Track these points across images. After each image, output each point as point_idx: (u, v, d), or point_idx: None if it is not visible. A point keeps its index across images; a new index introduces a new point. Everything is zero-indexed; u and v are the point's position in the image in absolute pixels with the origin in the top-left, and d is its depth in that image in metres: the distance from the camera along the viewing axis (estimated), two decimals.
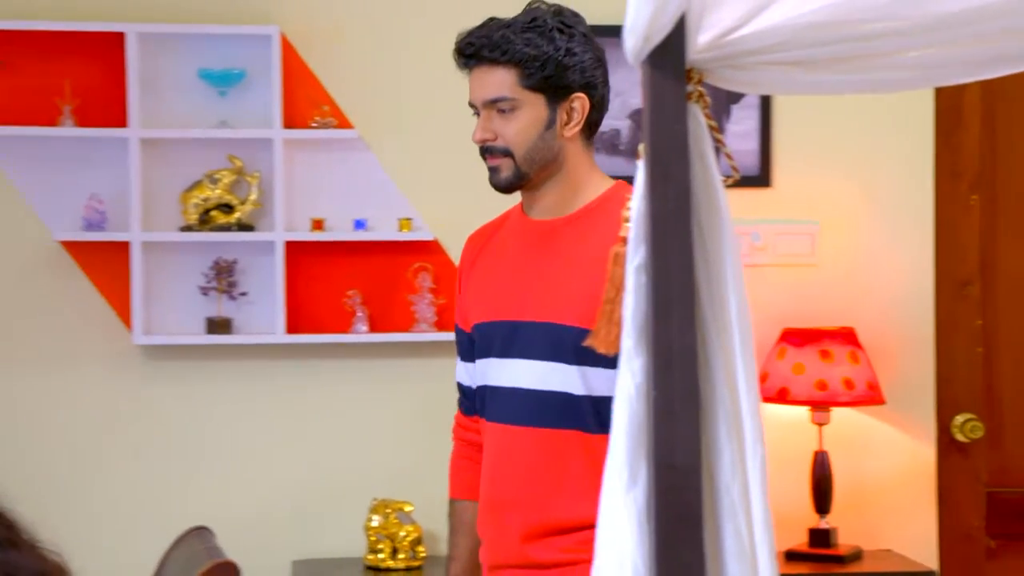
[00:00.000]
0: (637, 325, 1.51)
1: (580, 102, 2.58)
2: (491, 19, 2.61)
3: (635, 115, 4.29)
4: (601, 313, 1.61)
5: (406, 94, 4.23)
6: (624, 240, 1.55)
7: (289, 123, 4.13)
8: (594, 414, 2.51)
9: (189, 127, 4.12)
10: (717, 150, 1.57)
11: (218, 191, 4.13)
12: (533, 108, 2.56)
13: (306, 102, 4.18)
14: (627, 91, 4.27)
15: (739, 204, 4.00)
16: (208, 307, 4.17)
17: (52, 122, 4.08)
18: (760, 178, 4.32)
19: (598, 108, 2.61)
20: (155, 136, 4.09)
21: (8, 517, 2.17)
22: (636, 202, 1.53)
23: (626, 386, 1.52)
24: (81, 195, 4.11)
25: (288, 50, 4.15)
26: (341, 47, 4.20)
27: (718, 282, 1.54)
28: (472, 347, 2.72)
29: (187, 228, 4.11)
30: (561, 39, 2.56)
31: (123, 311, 4.13)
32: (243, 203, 4.14)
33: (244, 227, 4.13)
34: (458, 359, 2.79)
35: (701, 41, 1.52)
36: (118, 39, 4.05)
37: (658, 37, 1.49)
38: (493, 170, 2.59)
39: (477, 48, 2.57)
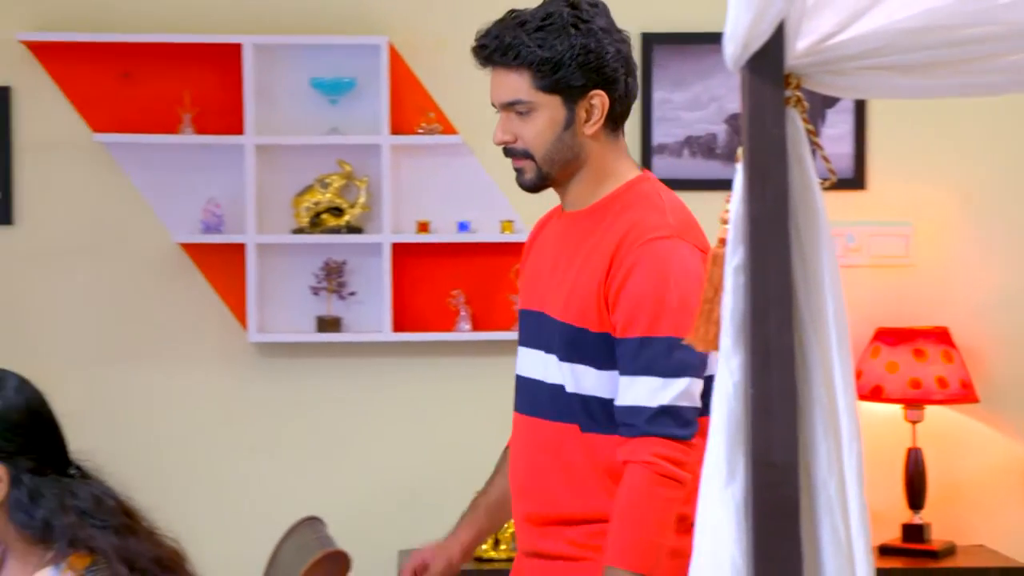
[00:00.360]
0: (735, 324, 1.54)
1: (599, 99, 2.46)
2: (510, 12, 2.50)
3: (731, 119, 4.35)
4: (700, 312, 1.61)
5: None
6: (722, 241, 1.57)
7: (397, 129, 4.24)
8: (584, 412, 2.44)
9: (301, 134, 4.25)
10: (814, 153, 1.59)
11: (328, 195, 4.25)
12: (550, 109, 2.46)
13: (413, 109, 4.28)
14: (724, 96, 4.34)
15: (833, 206, 4.03)
16: (318, 306, 4.29)
17: (173, 130, 4.23)
18: (854, 180, 4.36)
19: (621, 101, 2.49)
20: (269, 143, 4.22)
21: (127, 505, 2.29)
22: (735, 204, 1.55)
23: (724, 384, 1.54)
24: (199, 199, 4.25)
25: (396, 59, 4.26)
26: (446, 56, 4.29)
27: (815, 282, 1.56)
28: None
29: (299, 230, 4.24)
30: (576, 36, 2.43)
31: (238, 310, 4.27)
32: (352, 206, 4.26)
33: (353, 229, 4.25)
34: None
35: (799, 47, 1.55)
36: (235, 50, 4.17)
37: (757, 44, 1.51)
38: (518, 171, 2.53)
39: (490, 51, 2.47)
